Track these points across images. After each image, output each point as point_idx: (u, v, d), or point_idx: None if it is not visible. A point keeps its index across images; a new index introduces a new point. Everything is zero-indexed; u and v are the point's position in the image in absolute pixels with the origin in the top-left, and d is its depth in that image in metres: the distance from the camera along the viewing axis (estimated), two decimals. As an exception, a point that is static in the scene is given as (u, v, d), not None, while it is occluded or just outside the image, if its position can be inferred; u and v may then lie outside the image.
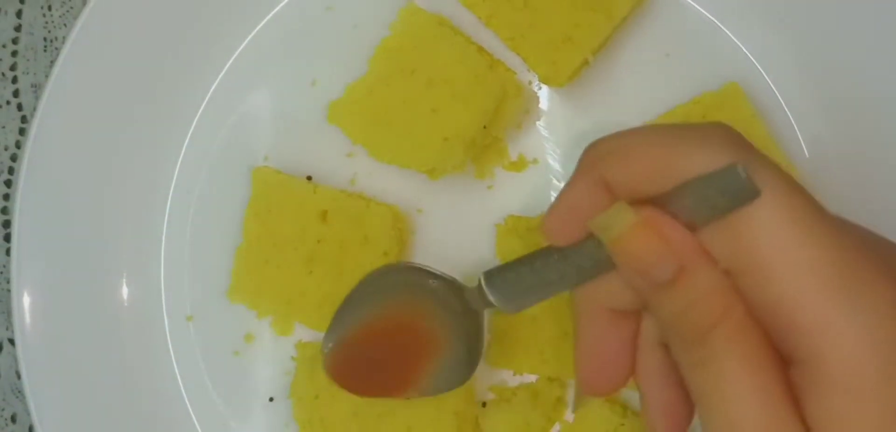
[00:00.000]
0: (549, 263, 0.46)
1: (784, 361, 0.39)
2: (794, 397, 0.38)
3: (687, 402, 0.45)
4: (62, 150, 0.68)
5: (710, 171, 0.38)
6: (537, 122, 0.67)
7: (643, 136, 0.42)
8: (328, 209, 0.66)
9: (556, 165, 0.67)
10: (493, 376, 0.66)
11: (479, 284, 0.50)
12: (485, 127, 0.64)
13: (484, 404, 0.65)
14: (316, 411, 0.64)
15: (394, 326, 0.59)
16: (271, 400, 0.69)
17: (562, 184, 0.66)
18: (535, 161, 0.67)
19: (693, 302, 0.40)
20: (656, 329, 0.45)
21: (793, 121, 0.65)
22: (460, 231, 0.67)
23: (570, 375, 0.64)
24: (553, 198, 0.65)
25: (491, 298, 0.50)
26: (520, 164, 0.67)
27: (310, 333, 0.68)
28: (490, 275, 0.50)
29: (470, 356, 0.59)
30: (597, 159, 0.43)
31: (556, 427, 0.65)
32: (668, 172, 0.40)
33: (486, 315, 0.59)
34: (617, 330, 0.46)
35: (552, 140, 0.67)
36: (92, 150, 0.69)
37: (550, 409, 0.64)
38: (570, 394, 0.65)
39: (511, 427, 0.64)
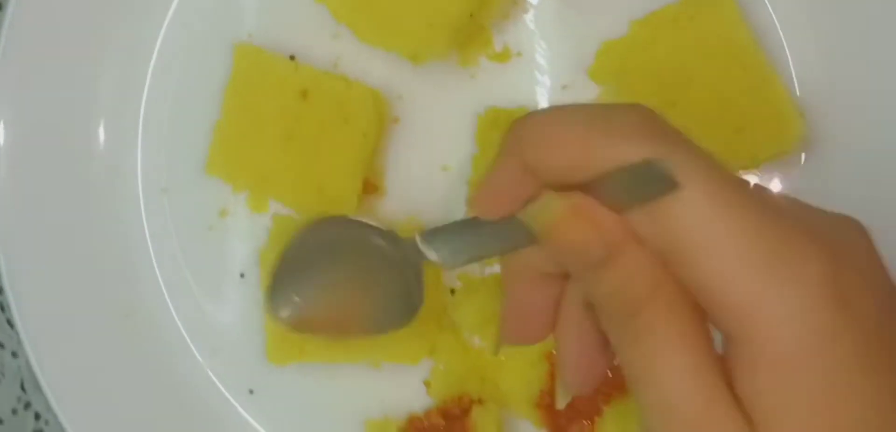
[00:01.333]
0: (484, 230, 0.46)
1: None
2: (728, 375, 0.38)
3: (598, 361, 0.46)
4: (42, 17, 0.67)
5: (631, 164, 0.38)
6: (525, 15, 0.67)
7: (563, 123, 0.42)
8: (309, 88, 0.66)
9: (541, 60, 0.67)
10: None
11: (415, 241, 0.52)
12: (471, 15, 0.63)
13: (452, 292, 0.66)
14: (283, 283, 0.64)
15: (343, 283, 0.60)
16: (242, 276, 0.69)
17: (545, 79, 0.67)
18: (519, 54, 0.67)
19: (623, 280, 0.40)
20: (578, 290, 0.45)
21: (782, 36, 0.64)
22: (441, 119, 0.67)
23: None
24: (537, 94, 0.66)
25: (428, 254, 0.51)
26: (504, 56, 0.67)
27: (285, 211, 0.68)
28: (427, 235, 0.51)
29: (412, 298, 0.59)
30: (519, 143, 0.43)
31: (522, 318, 0.65)
32: (588, 163, 0.40)
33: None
34: (543, 291, 0.46)
35: (539, 34, 0.67)
36: (72, 16, 0.68)
37: (517, 300, 0.65)
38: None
39: (479, 314, 0.65)
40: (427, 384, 0.66)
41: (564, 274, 0.46)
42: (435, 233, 0.52)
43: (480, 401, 0.64)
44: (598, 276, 0.41)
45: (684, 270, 0.39)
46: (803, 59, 0.62)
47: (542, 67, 0.67)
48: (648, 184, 0.38)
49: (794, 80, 0.62)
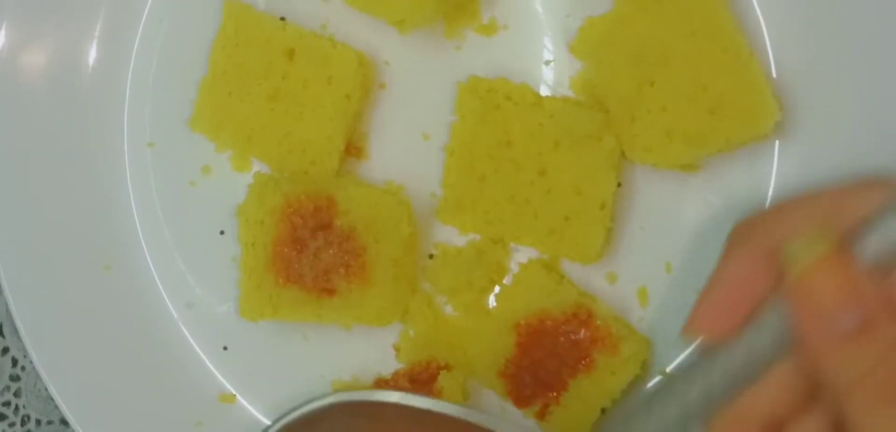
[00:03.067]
0: (669, 397, 0.40)
1: None
2: None
3: None
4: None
5: None
6: (513, -13, 0.67)
7: (799, 196, 0.39)
8: (295, 47, 0.66)
9: (525, 33, 0.67)
10: (440, 233, 0.67)
11: None
12: (460, -17, 0.64)
13: (430, 257, 0.66)
14: (259, 235, 0.65)
15: None
16: (222, 233, 0.70)
17: (530, 53, 0.66)
18: (505, 26, 0.67)
19: (882, 355, 0.35)
20: None
21: (761, 18, 0.63)
22: (425, 87, 0.67)
23: (514, 239, 0.65)
24: (520, 68, 0.66)
25: None
26: (490, 28, 0.67)
27: (267, 170, 0.68)
28: None
29: None
30: (751, 229, 0.39)
31: (497, 289, 0.66)
32: (838, 219, 0.36)
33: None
34: None
35: (525, 8, 0.67)
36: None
37: (492, 270, 0.65)
38: (513, 259, 0.65)
39: (455, 281, 0.65)
40: (397, 348, 0.67)
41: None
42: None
43: (447, 368, 0.65)
44: (852, 350, 0.36)
45: None
46: (782, 43, 0.62)
47: (527, 41, 0.66)
48: None
49: (772, 63, 0.62)
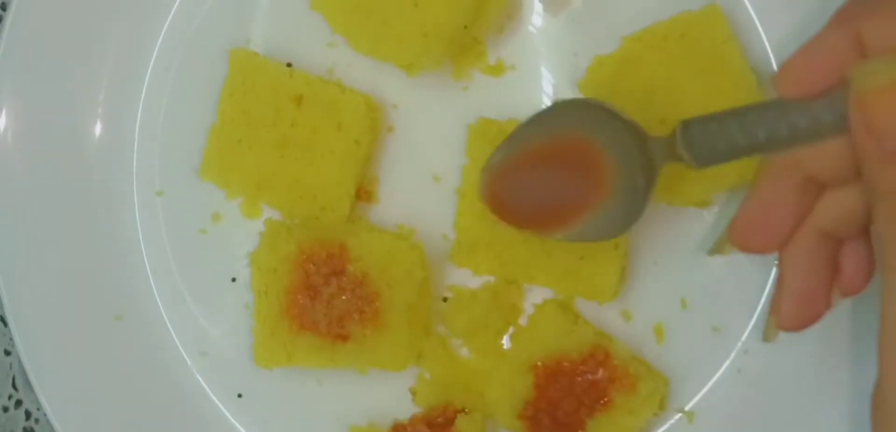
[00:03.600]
0: (761, 120, 0.44)
1: None
2: None
3: (820, 301, 0.45)
4: (43, 16, 0.68)
5: None
6: (519, 29, 0.67)
7: None
8: (303, 94, 0.66)
9: (534, 74, 0.67)
10: (453, 275, 0.67)
11: (673, 134, 0.49)
12: (466, 27, 0.64)
13: (444, 300, 0.66)
14: (273, 283, 0.65)
15: (564, 158, 0.56)
16: (234, 280, 0.70)
17: (537, 93, 0.67)
18: (513, 67, 0.67)
19: None
20: (827, 217, 0.44)
21: (771, 56, 0.64)
22: (433, 129, 0.68)
23: (528, 280, 0.65)
24: (529, 108, 0.66)
25: (682, 151, 0.48)
26: (498, 69, 0.67)
27: (278, 216, 0.68)
28: (688, 125, 0.48)
29: (631, 209, 0.55)
30: (858, 13, 0.42)
31: (511, 329, 0.66)
32: None
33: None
34: (794, 198, 0.45)
35: (532, 48, 0.67)
36: (72, 17, 0.69)
37: (507, 312, 0.65)
38: (527, 299, 0.66)
39: (471, 324, 0.65)
40: (413, 392, 0.67)
41: (822, 187, 0.44)
42: (701, 122, 0.47)
43: (465, 411, 0.65)
44: (890, 169, 0.40)
45: None
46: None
47: (534, 81, 0.67)
48: None
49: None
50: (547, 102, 0.66)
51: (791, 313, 0.46)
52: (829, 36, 0.43)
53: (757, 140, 0.45)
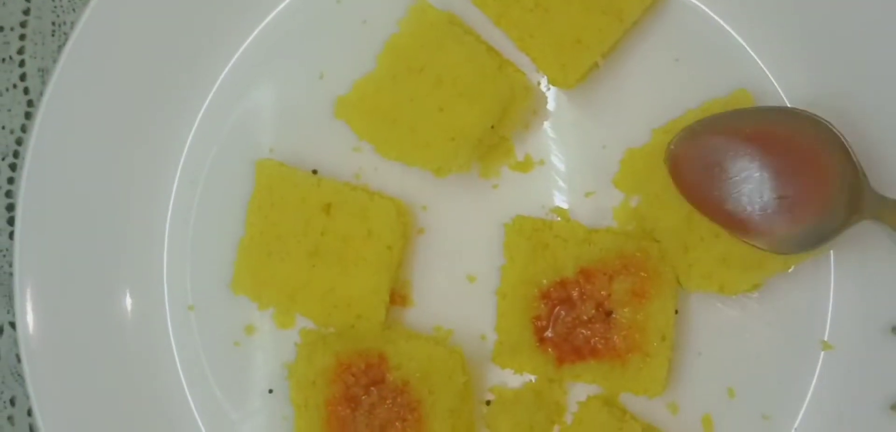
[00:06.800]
0: None
1: None
2: None
3: None
4: (68, 136, 0.68)
5: None
6: (545, 124, 0.67)
7: None
8: (332, 202, 0.66)
9: (562, 167, 0.67)
10: (494, 375, 0.66)
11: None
12: (492, 127, 0.64)
13: (487, 403, 0.66)
14: (312, 396, 0.64)
15: (772, 148, 0.56)
16: (271, 391, 0.69)
17: (568, 187, 0.66)
18: (541, 162, 0.67)
19: None
20: None
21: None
22: (465, 229, 0.67)
23: (572, 378, 0.64)
24: (560, 202, 0.66)
25: None
26: (526, 165, 0.67)
27: (311, 326, 0.68)
28: None
29: (818, 239, 0.55)
30: None
31: (556, 428, 0.65)
32: None
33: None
34: None
35: (559, 141, 0.67)
36: (98, 138, 0.69)
37: (552, 411, 0.64)
38: (570, 396, 0.65)
39: (516, 426, 0.64)
40: (462, 498, 0.66)
41: None
42: None
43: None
44: None
45: None
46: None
47: (564, 175, 0.67)
48: None
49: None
50: (578, 194, 0.66)
51: None
52: None
53: None
